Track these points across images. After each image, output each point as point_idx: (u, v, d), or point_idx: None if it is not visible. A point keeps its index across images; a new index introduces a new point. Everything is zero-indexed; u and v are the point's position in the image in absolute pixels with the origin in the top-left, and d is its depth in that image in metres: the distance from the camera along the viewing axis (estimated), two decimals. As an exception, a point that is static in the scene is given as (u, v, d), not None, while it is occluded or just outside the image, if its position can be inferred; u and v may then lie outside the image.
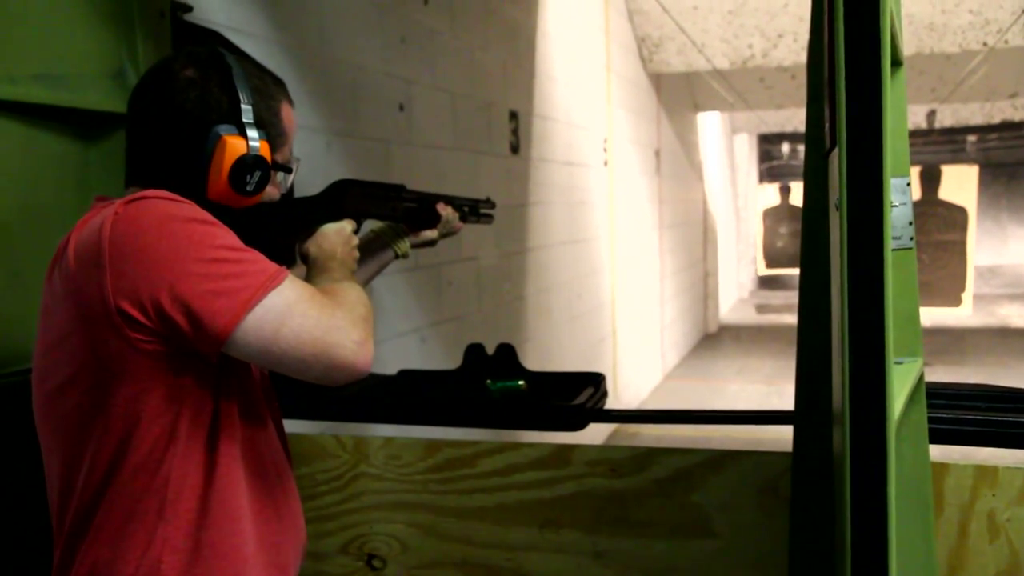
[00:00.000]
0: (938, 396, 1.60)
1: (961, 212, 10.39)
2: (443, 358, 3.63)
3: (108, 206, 1.15)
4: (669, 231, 8.86)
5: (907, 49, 5.89)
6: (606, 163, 6.42)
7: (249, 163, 1.22)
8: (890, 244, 0.88)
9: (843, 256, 0.89)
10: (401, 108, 3.45)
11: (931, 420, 1.32)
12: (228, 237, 1.14)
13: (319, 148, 2.89)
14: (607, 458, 1.78)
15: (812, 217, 1.29)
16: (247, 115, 1.22)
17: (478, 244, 4.16)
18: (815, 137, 1.26)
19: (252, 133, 1.22)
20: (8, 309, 1.55)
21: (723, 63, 7.61)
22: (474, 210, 1.78)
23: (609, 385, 2.03)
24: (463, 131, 4.03)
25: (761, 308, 14.09)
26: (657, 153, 8.32)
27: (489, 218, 1.84)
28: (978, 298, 11.92)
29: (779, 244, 13.16)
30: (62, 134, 1.68)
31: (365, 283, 1.59)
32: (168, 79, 1.23)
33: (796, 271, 1.37)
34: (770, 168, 17.50)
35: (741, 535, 1.71)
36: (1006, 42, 6.81)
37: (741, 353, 10.33)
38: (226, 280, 1.09)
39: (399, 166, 3.40)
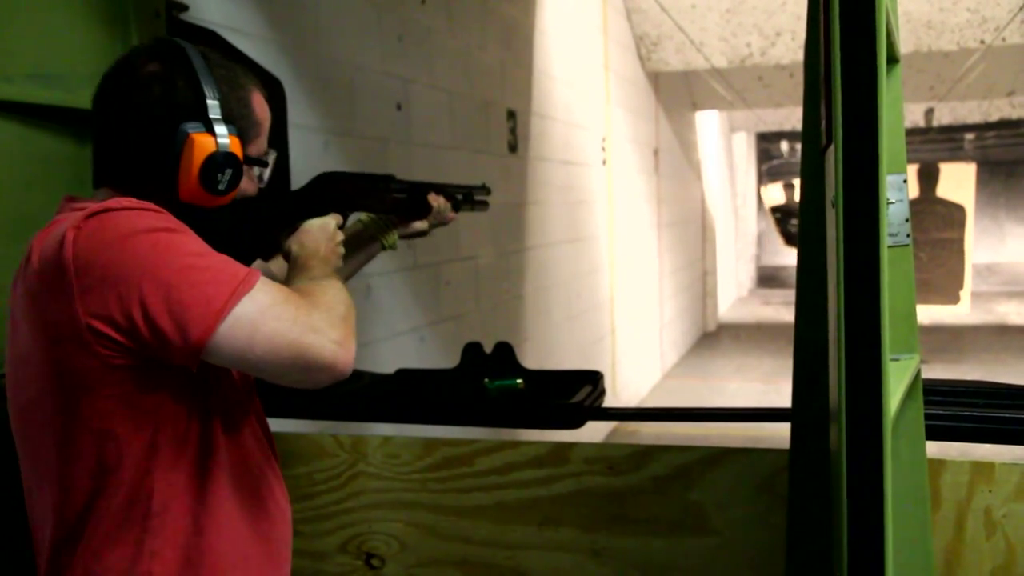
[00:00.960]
0: (935, 392, 1.60)
1: (959, 210, 10.39)
2: (441, 357, 3.63)
3: (72, 214, 1.11)
4: (668, 230, 8.86)
5: (904, 47, 5.90)
6: (604, 162, 6.42)
7: (219, 161, 1.16)
8: (886, 241, 0.88)
9: (839, 253, 0.89)
10: (399, 107, 3.45)
11: (928, 416, 1.32)
12: (194, 243, 1.10)
13: (316, 147, 2.89)
14: (605, 456, 1.78)
15: (809, 214, 1.29)
16: (214, 110, 1.17)
17: (476, 243, 4.16)
18: (812, 134, 1.26)
19: (220, 129, 1.17)
20: (4, 309, 1.55)
21: (721, 62, 7.61)
22: (468, 198, 1.72)
23: (608, 384, 2.03)
24: (461, 130, 4.03)
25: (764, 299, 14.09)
26: (655, 152, 8.32)
27: (484, 205, 1.78)
28: (976, 296, 11.92)
29: (792, 232, 13.27)
30: (58, 134, 1.68)
31: (351, 275, 1.56)
32: (131, 75, 1.18)
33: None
34: (769, 167, 17.50)
35: (739, 532, 1.71)
36: (1004, 40, 6.82)
37: (740, 352, 10.33)
38: (195, 289, 1.05)
39: (397, 165, 3.40)
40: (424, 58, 3.67)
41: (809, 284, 1.30)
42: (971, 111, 11.86)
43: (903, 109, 1.32)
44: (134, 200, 1.12)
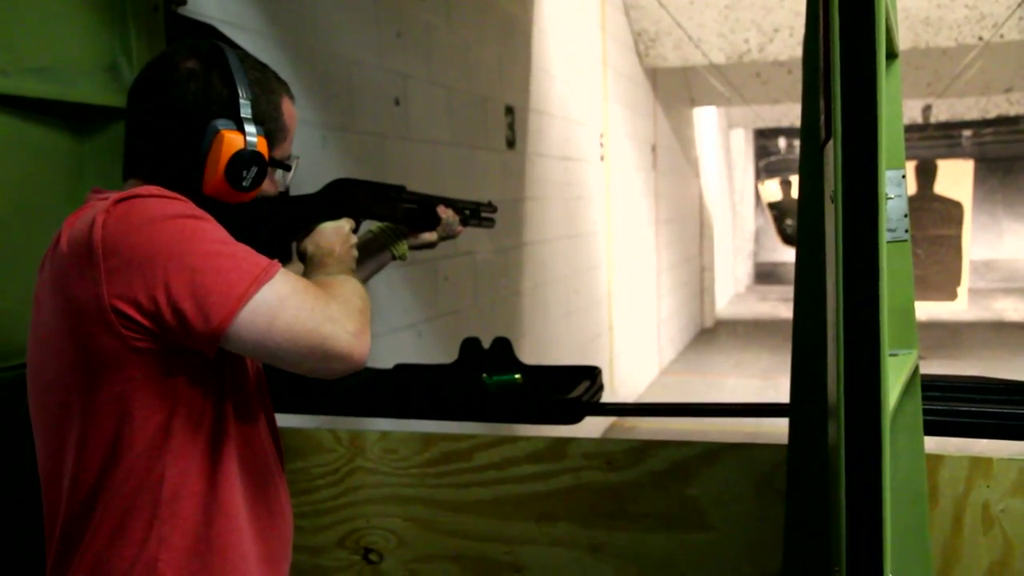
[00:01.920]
0: (933, 388, 1.61)
1: (956, 207, 10.40)
2: (439, 352, 3.63)
3: (101, 201, 1.14)
4: (665, 226, 8.86)
5: (903, 43, 5.89)
6: (602, 158, 6.42)
7: (246, 158, 1.20)
8: (885, 236, 0.88)
9: (838, 248, 0.89)
10: (397, 103, 3.44)
11: (926, 412, 1.32)
12: (219, 232, 1.13)
13: (314, 143, 2.88)
14: (603, 451, 1.78)
15: (808, 209, 1.29)
16: (246, 110, 1.21)
17: (474, 239, 4.16)
18: (811, 129, 1.26)
19: (250, 128, 1.21)
20: (2, 303, 1.55)
21: (719, 58, 7.61)
22: (475, 213, 1.76)
23: (606, 380, 2.03)
24: (459, 126, 4.02)
25: (762, 295, 14.10)
26: (653, 148, 8.32)
27: (491, 222, 1.83)
28: (973, 292, 11.95)
29: (789, 231, 13.27)
30: (55, 128, 1.68)
31: (363, 283, 1.58)
32: (168, 70, 1.22)
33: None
34: (767, 163, 17.50)
35: (737, 527, 1.71)
36: (1002, 36, 6.82)
37: (737, 348, 10.34)
38: (219, 275, 1.08)
39: (395, 161, 3.39)
40: (422, 54, 3.67)
41: (808, 280, 1.30)
42: (969, 108, 11.86)
43: (902, 105, 1.32)
44: (162, 189, 1.15)
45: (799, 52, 6.44)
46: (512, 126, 4.69)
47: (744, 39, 7.37)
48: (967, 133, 14.81)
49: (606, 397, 1.99)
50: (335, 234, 1.35)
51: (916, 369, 1.27)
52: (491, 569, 1.86)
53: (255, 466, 1.27)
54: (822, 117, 1.04)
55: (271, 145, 1.26)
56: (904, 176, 1.22)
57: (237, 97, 1.21)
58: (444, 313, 3.86)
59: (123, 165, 1.26)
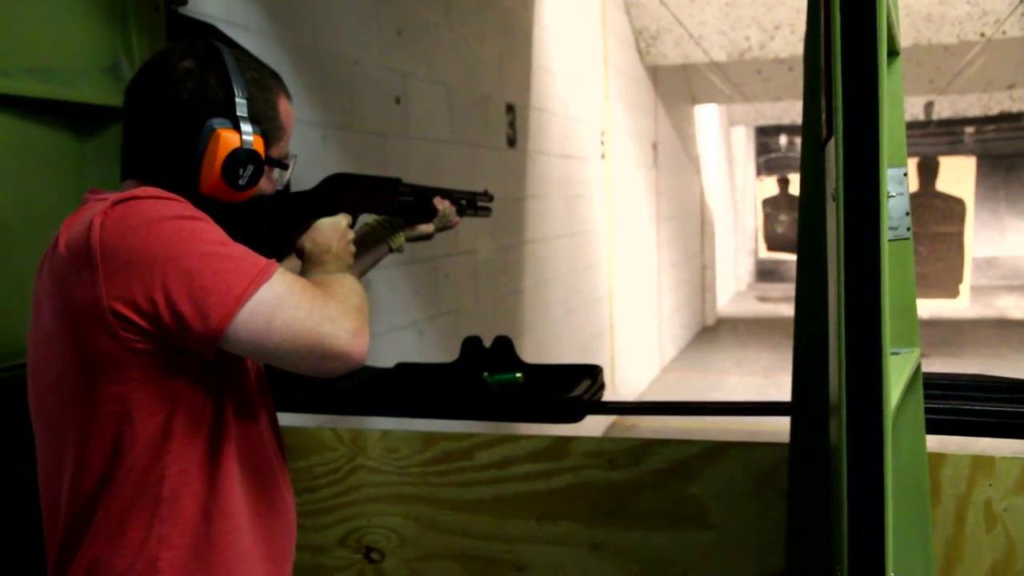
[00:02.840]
0: (935, 386, 1.60)
1: (959, 204, 10.40)
2: (440, 351, 3.63)
3: (99, 203, 1.14)
4: (666, 224, 8.86)
5: (904, 40, 5.88)
6: (603, 156, 6.41)
7: (242, 157, 1.21)
8: (887, 234, 0.88)
9: (840, 246, 0.89)
10: (397, 101, 3.44)
11: (928, 410, 1.32)
12: (216, 232, 1.13)
13: (315, 141, 2.88)
14: (604, 450, 1.78)
15: (809, 207, 1.29)
16: (242, 109, 1.21)
17: (475, 237, 4.16)
18: (812, 127, 1.25)
19: (246, 127, 1.21)
20: (3, 303, 1.55)
21: (720, 55, 7.60)
22: (471, 203, 1.75)
23: (607, 378, 2.03)
24: (460, 124, 4.02)
25: (762, 299, 14.10)
26: (654, 146, 8.31)
27: (487, 211, 1.82)
28: (975, 290, 11.94)
29: (779, 230, 13.21)
30: (56, 128, 1.68)
31: (359, 276, 1.58)
32: (165, 70, 1.22)
33: (795, 257, 1.36)
34: (767, 160, 17.49)
35: (738, 526, 1.71)
36: (1004, 33, 6.81)
37: (739, 346, 10.34)
38: (216, 276, 1.08)
39: (395, 159, 3.39)
40: (423, 52, 3.66)
41: (809, 278, 1.30)
42: (971, 104, 11.85)
43: (904, 102, 1.32)
44: (160, 190, 1.16)
45: (800, 49, 6.43)
46: (513, 124, 4.69)
47: (745, 36, 7.36)
48: (969, 130, 14.79)
49: (607, 395, 1.98)
50: (332, 230, 1.34)
51: (918, 367, 1.27)
52: (492, 568, 1.86)
53: (256, 464, 1.28)
54: (823, 115, 1.04)
55: (268, 144, 1.26)
56: (906, 174, 1.21)
57: (233, 96, 1.21)
58: (445, 312, 3.86)
59: (120, 165, 1.26)
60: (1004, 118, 12.94)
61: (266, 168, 1.27)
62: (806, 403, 1.38)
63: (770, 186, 13.47)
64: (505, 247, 4.59)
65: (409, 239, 1.65)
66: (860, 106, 0.87)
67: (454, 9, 3.98)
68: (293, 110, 1.34)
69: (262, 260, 1.13)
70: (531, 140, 4.94)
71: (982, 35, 6.83)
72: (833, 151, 0.91)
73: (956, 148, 14.62)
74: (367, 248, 1.60)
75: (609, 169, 6.55)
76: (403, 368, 2.15)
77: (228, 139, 1.20)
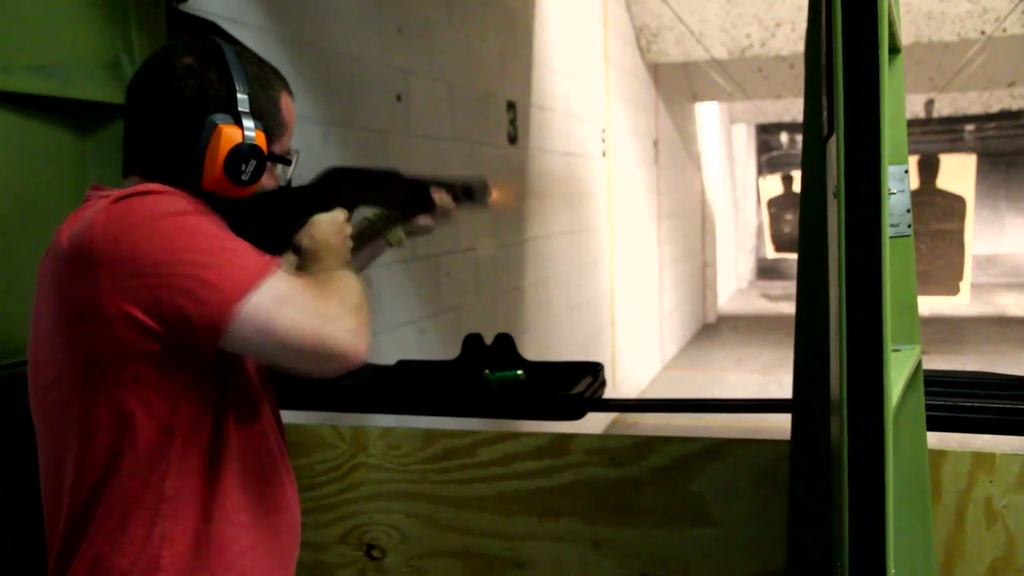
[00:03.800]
0: (936, 383, 1.60)
1: (959, 201, 10.39)
2: (441, 349, 3.63)
3: (100, 200, 1.14)
4: (667, 221, 8.85)
5: (905, 38, 5.86)
6: (604, 153, 6.41)
7: (244, 153, 1.20)
8: (888, 231, 0.88)
9: (841, 243, 0.89)
10: (399, 98, 3.44)
11: (929, 407, 1.32)
12: (218, 228, 1.13)
13: (316, 139, 2.88)
14: (605, 447, 1.78)
15: (810, 205, 1.29)
16: (243, 104, 1.21)
17: (476, 235, 4.16)
18: (813, 124, 1.25)
19: (248, 123, 1.21)
20: (4, 301, 1.55)
21: (721, 53, 7.59)
22: (467, 192, 1.73)
23: (608, 376, 2.03)
24: (461, 121, 4.02)
25: (768, 298, 14.10)
26: (655, 143, 8.31)
27: (484, 197, 1.79)
28: (976, 287, 11.93)
29: (786, 230, 13.21)
30: (57, 125, 1.68)
31: (359, 272, 1.57)
32: (166, 66, 1.21)
33: (796, 255, 1.36)
34: (769, 158, 17.48)
35: (739, 523, 1.71)
36: (1004, 30, 6.80)
37: (740, 343, 10.34)
38: (219, 271, 1.08)
39: (397, 157, 3.39)
40: (424, 49, 3.66)
41: (810, 275, 1.30)
42: (971, 102, 11.84)
43: (904, 100, 1.32)
44: (162, 185, 1.16)
45: (801, 47, 6.43)
46: (514, 122, 4.69)
47: (746, 34, 7.35)
48: (970, 127, 14.78)
49: (608, 392, 1.98)
50: (330, 226, 1.33)
51: (918, 364, 1.27)
52: (494, 565, 1.86)
53: (259, 462, 1.27)
54: (824, 112, 1.04)
55: (270, 140, 1.26)
56: (907, 171, 1.21)
57: (234, 92, 1.20)
58: (446, 309, 3.86)
59: (122, 162, 1.26)
60: (1004, 116, 12.93)
61: (268, 164, 1.27)
62: (807, 400, 1.38)
63: (774, 185, 13.46)
64: (506, 245, 4.59)
65: (408, 232, 1.63)
66: (861, 103, 0.87)
67: (455, 6, 3.98)
68: (295, 106, 1.34)
69: (264, 257, 1.13)
70: (532, 137, 4.94)
71: (983, 32, 6.82)
72: (834, 148, 0.91)
73: (956, 146, 14.61)
74: (365, 243, 1.59)
75: (610, 167, 6.55)
76: (404, 365, 2.15)
77: (230, 134, 1.19)
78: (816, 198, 1.22)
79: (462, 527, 1.87)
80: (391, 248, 1.63)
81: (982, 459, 1.55)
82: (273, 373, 1.37)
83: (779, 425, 1.54)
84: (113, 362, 1.11)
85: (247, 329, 1.09)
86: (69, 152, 1.71)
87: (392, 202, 1.55)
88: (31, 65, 1.60)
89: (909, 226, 1.23)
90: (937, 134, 14.84)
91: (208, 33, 1.41)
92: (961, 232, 10.30)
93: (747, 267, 16.73)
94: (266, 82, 1.27)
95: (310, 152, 2.81)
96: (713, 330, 11.20)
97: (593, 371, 1.95)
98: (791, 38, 7.27)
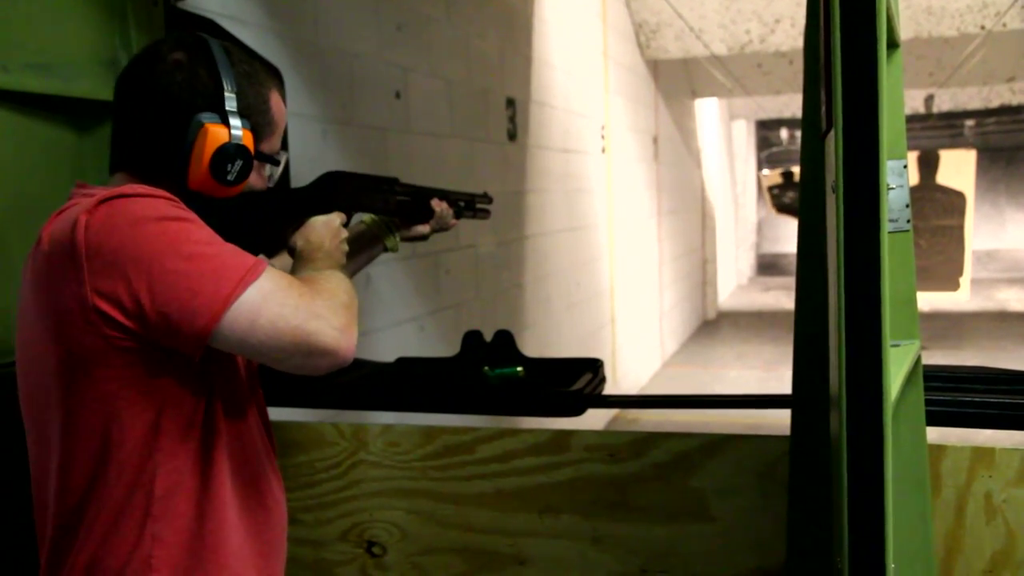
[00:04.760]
0: (936, 378, 1.60)
1: (959, 197, 10.39)
2: (441, 346, 3.63)
3: (85, 199, 1.13)
4: (667, 218, 8.85)
5: (904, 33, 5.86)
6: (604, 150, 6.41)
7: (230, 152, 1.19)
8: (887, 227, 0.88)
9: (839, 239, 0.89)
10: (398, 96, 3.44)
11: (928, 402, 1.32)
12: (204, 232, 1.12)
13: (315, 136, 2.88)
14: (606, 443, 1.78)
15: (809, 200, 1.29)
16: (231, 103, 1.19)
17: (476, 232, 4.15)
18: (812, 120, 1.25)
19: (235, 122, 1.19)
20: (1, 299, 1.55)
21: (721, 49, 7.58)
22: (470, 205, 1.74)
23: (608, 372, 2.03)
24: (460, 118, 4.02)
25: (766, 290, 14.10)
26: (655, 140, 8.30)
27: (486, 213, 1.80)
28: (976, 282, 11.94)
29: (786, 201, 13.24)
30: (55, 123, 1.68)
31: (353, 275, 1.57)
32: (155, 62, 1.20)
33: (795, 247, 1.36)
34: (768, 154, 17.47)
35: (739, 519, 1.71)
36: (1004, 25, 6.80)
37: (740, 339, 10.34)
38: (203, 278, 1.07)
39: (396, 154, 3.39)
40: (423, 46, 3.66)
41: (809, 271, 1.30)
42: (971, 97, 11.83)
43: (903, 95, 1.32)
44: (147, 187, 1.14)
45: (801, 43, 6.42)
46: (513, 118, 4.69)
47: (745, 30, 7.35)
48: (970, 123, 14.77)
49: (608, 389, 1.99)
50: (325, 228, 1.33)
51: (918, 359, 1.27)
52: (494, 561, 1.87)
53: (247, 459, 1.27)
54: (823, 108, 1.04)
55: (258, 139, 1.24)
56: (905, 166, 1.21)
57: (222, 90, 1.19)
58: (446, 306, 3.86)
59: (110, 158, 1.24)
60: (1004, 111, 12.92)
61: (256, 163, 1.26)
62: (807, 396, 1.38)
63: (774, 179, 13.51)
64: (506, 242, 4.59)
65: (404, 239, 1.63)
66: (860, 99, 0.87)
67: (454, 3, 3.97)
68: (289, 104, 1.32)
69: (250, 259, 1.12)
70: (531, 134, 4.94)
71: (982, 27, 6.82)
72: (833, 144, 0.91)
73: (956, 141, 14.60)
74: (362, 246, 1.59)
75: (610, 163, 6.54)
76: (404, 363, 2.15)
77: (216, 133, 1.18)
78: (815, 193, 1.22)
79: (462, 524, 1.88)
80: (387, 252, 1.63)
81: (981, 454, 1.55)
82: (266, 371, 1.37)
83: (779, 421, 1.54)
84: (98, 362, 1.10)
85: (231, 330, 1.08)
86: (67, 150, 1.70)
87: (390, 208, 1.55)
88: (29, 63, 1.60)
89: (908, 221, 1.23)
90: (937, 129, 14.83)
91: (207, 31, 1.40)
92: (961, 228, 10.30)
93: (747, 263, 16.72)
94: (256, 80, 1.25)
95: (309, 149, 2.81)
96: (713, 326, 11.20)
97: (593, 367, 1.95)
98: (791, 34, 7.26)
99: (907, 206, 1.22)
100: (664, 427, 1.84)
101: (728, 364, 8.93)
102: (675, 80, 9.18)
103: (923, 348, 1.30)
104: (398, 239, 1.62)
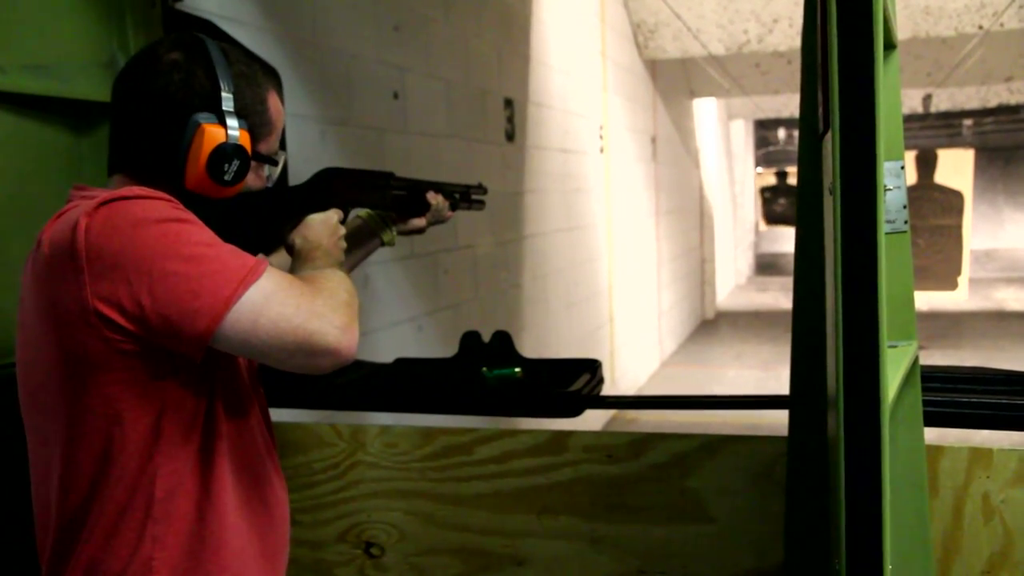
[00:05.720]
0: (933, 379, 1.61)
1: (957, 196, 10.40)
2: (439, 346, 3.63)
3: (84, 201, 1.13)
4: (666, 218, 8.85)
5: (902, 33, 5.86)
6: (602, 150, 6.41)
7: (227, 152, 1.19)
8: (884, 227, 0.88)
9: (837, 239, 0.89)
10: (395, 96, 3.44)
11: (926, 403, 1.32)
12: (204, 233, 1.12)
13: (313, 137, 2.88)
14: (603, 444, 1.79)
15: (806, 201, 1.29)
16: (228, 103, 1.19)
17: (474, 232, 4.15)
18: (809, 121, 1.25)
19: (232, 122, 1.19)
20: (1, 300, 1.54)
21: (719, 49, 7.59)
22: (465, 196, 1.74)
23: (606, 372, 2.03)
24: (458, 119, 4.02)
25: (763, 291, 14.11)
26: (653, 140, 8.30)
27: (481, 204, 1.81)
28: (974, 282, 11.95)
29: (777, 210, 13.26)
30: (53, 124, 1.68)
31: (351, 270, 1.57)
32: (152, 62, 1.20)
33: (792, 246, 1.36)
34: (766, 154, 17.48)
35: (737, 519, 1.72)
36: (1002, 25, 6.80)
37: (738, 339, 10.34)
38: (204, 280, 1.07)
39: (394, 155, 3.39)
40: (421, 47, 3.66)
41: (807, 271, 1.30)
42: (969, 97, 11.83)
43: (900, 95, 1.32)
44: (146, 189, 1.14)
45: (798, 43, 6.42)
46: (511, 119, 4.69)
47: (743, 30, 7.35)
48: (968, 122, 14.79)
49: (607, 389, 1.99)
50: (323, 226, 1.33)
51: (916, 360, 1.27)
52: (492, 562, 1.87)
53: (248, 460, 1.27)
54: (820, 108, 1.04)
55: (255, 139, 1.24)
56: (903, 167, 1.21)
57: (219, 90, 1.19)
58: (444, 307, 3.86)
59: (108, 160, 1.24)
60: (1002, 110, 12.93)
61: (254, 164, 1.26)
62: (805, 396, 1.38)
63: (768, 179, 13.53)
64: (504, 242, 4.59)
65: (401, 233, 1.64)
66: (856, 100, 0.88)
67: (452, 4, 3.97)
68: (287, 105, 1.32)
69: (251, 259, 1.12)
70: (530, 135, 4.94)
71: (980, 27, 6.82)
72: (830, 145, 0.91)
73: (954, 141, 14.62)
74: (359, 241, 1.59)
75: (608, 163, 6.54)
76: (402, 363, 2.15)
77: (213, 134, 1.18)
78: (812, 194, 1.22)
79: (460, 525, 1.87)
80: (385, 247, 1.64)
81: (979, 454, 1.55)
82: (267, 371, 1.37)
83: (777, 421, 1.55)
84: (99, 365, 1.10)
85: (233, 331, 1.08)
86: (65, 152, 1.70)
87: (387, 203, 1.56)
88: (27, 64, 1.59)
89: (906, 222, 1.23)
90: (935, 129, 14.85)
91: (204, 31, 1.40)
92: (959, 227, 10.31)
93: (746, 263, 16.73)
94: (253, 80, 1.25)
95: (307, 150, 2.81)
96: (711, 326, 11.21)
97: (591, 368, 1.95)
98: (788, 34, 7.26)
99: (904, 207, 1.22)
100: (662, 428, 1.84)
101: (726, 364, 8.93)
102: (673, 80, 9.18)
103: (921, 347, 1.30)
104: (395, 233, 1.62)
